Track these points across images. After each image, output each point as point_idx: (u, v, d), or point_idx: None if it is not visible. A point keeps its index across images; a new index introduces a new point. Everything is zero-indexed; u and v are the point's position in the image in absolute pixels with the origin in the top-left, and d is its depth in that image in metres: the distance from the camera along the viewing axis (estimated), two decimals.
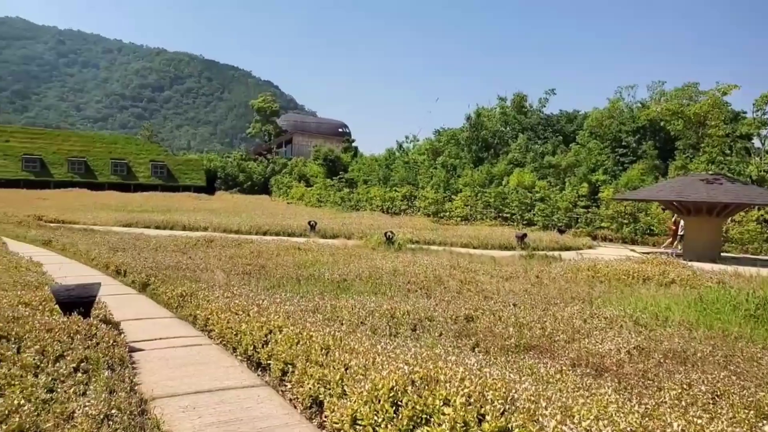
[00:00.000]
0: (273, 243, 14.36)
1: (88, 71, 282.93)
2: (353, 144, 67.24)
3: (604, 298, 7.94)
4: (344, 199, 42.09)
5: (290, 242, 14.78)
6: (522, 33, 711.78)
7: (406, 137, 53.52)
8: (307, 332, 4.75)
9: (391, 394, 3.30)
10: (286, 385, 4.41)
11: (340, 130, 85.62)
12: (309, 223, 19.76)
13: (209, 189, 60.64)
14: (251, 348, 5.03)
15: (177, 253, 12.19)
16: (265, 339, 4.96)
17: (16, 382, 3.97)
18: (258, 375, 4.78)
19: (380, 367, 3.67)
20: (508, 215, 30.74)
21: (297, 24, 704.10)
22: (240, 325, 5.37)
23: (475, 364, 3.72)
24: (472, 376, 3.35)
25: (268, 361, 4.75)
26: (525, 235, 18.20)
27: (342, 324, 5.58)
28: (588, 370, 4.44)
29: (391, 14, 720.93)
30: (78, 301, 5.26)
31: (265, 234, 18.73)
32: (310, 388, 3.98)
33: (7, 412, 3.56)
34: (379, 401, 3.30)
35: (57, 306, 5.51)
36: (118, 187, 56.05)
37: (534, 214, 29.54)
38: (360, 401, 3.38)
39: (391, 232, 15.66)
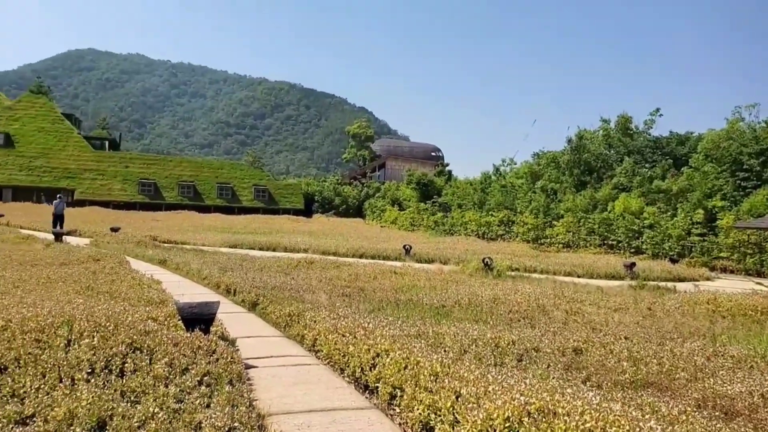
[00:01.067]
0: (369, 266, 14.60)
1: (197, 101, 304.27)
2: (447, 167, 67.32)
3: (728, 334, 7.38)
4: (438, 224, 42.07)
5: (386, 266, 14.96)
6: (622, 52, 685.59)
7: (503, 160, 52.83)
8: (414, 357, 4.79)
9: (506, 425, 3.26)
10: (394, 409, 4.46)
11: (433, 153, 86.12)
12: (404, 247, 19.93)
13: (307, 212, 62.92)
14: (359, 370, 5.14)
15: (280, 274, 12.70)
16: (372, 362, 5.05)
17: (150, 391, 4.30)
18: (366, 397, 4.86)
19: (494, 396, 3.63)
20: (614, 242, 29.37)
21: (390, 50, 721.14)
22: (347, 347, 5.50)
23: (594, 398, 3.59)
24: (592, 411, 3.24)
25: (376, 384, 4.83)
26: (634, 264, 17.32)
27: (446, 351, 5.57)
28: (716, 413, 4.14)
29: (485, 35, 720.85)
30: (199, 318, 5.62)
31: (361, 257, 19.10)
32: (420, 414, 4.00)
33: (144, 418, 3.87)
34: (494, 431, 3.27)
35: (180, 322, 5.92)
36: (223, 209, 59.42)
37: (642, 242, 28.03)
38: (474, 430, 3.36)
39: (490, 258, 15.46)
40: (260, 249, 21.66)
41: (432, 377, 4.32)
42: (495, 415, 3.32)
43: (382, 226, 48.56)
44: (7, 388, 4.22)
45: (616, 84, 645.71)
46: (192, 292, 10.03)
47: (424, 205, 48.48)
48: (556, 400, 3.43)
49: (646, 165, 36.43)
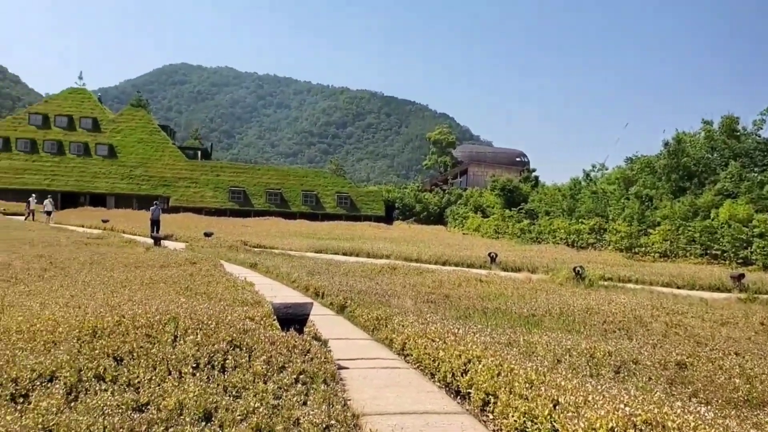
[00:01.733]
0: (453, 273, 14.50)
1: (282, 111, 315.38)
2: (533, 173, 65.75)
3: None
4: (524, 231, 41.06)
5: (471, 273, 14.80)
6: (722, 49, 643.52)
7: (593, 166, 50.83)
8: (507, 364, 4.71)
9: None
10: (488, 415, 4.40)
11: (518, 159, 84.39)
12: (489, 254, 19.64)
13: (387, 218, 63.47)
14: (450, 375, 5.12)
15: (365, 279, 12.88)
16: (464, 368, 5.02)
17: (250, 387, 4.49)
18: (458, 402, 4.83)
19: (595, 405, 3.51)
20: (719, 252, 27.46)
21: (472, 54, 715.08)
22: (437, 352, 5.49)
23: (707, 414, 3.38)
24: (706, 426, 3.05)
25: (468, 390, 4.79)
26: (743, 275, 16.12)
27: (540, 360, 5.44)
28: None
29: (570, 37, 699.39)
30: (294, 318, 5.81)
31: (444, 264, 19.01)
32: (515, 421, 3.93)
33: (246, 412, 4.04)
34: None
35: (275, 322, 6.15)
36: (307, 216, 61.06)
37: (752, 252, 26.03)
38: None
39: (581, 267, 14.92)
40: (344, 254, 22.06)
41: (527, 385, 4.24)
42: (597, 425, 3.21)
43: (464, 234, 48.11)
44: (124, 378, 4.55)
45: (716, 83, 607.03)
46: (283, 294, 10.38)
47: (509, 212, 47.52)
48: (664, 413, 3.26)
49: (756, 169, 33.82)
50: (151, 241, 22.30)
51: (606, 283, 15.00)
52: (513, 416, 3.95)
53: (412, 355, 5.96)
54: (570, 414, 3.55)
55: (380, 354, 6.40)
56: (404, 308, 8.41)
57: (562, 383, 4.14)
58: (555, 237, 37.28)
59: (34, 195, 39.68)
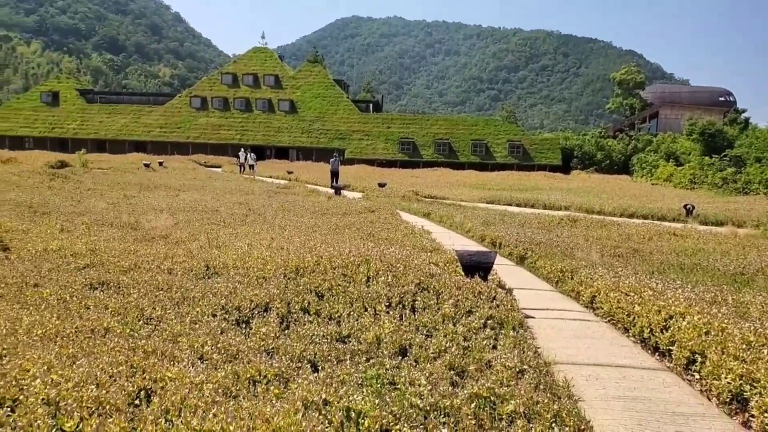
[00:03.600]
0: (642, 226, 13.46)
1: (450, 58, 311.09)
2: (741, 115, 57.54)
3: None
4: (727, 181, 36.39)
5: (662, 227, 13.61)
6: None
7: None
8: (718, 323, 4.29)
9: None
10: (693, 375, 4.08)
11: (722, 99, 74.37)
12: (684, 206, 17.84)
13: (564, 168, 60.30)
14: (647, 331, 4.81)
15: (542, 231, 12.48)
16: (664, 324, 4.68)
17: (440, 328, 4.65)
18: (656, 359, 4.55)
19: None
20: None
21: None
22: (632, 307, 5.18)
23: None
24: None
25: (669, 347, 4.47)
26: None
27: (757, 322, 4.87)
28: None
29: None
30: (478, 266, 5.85)
31: (630, 216, 17.70)
32: (728, 383, 3.59)
33: (438, 350, 4.21)
34: None
35: (459, 269, 6.25)
36: (476, 166, 60.40)
37: None
38: None
39: None
40: (517, 205, 21.57)
41: (744, 345, 3.83)
42: None
43: (653, 184, 44.10)
44: (326, 312, 4.98)
45: None
46: (458, 243, 10.49)
47: (708, 159, 42.36)
48: None
49: None
50: (331, 191, 23.78)
51: None
52: (726, 378, 3.61)
53: (602, 309, 5.70)
54: None
55: (566, 306, 6.22)
56: (590, 261, 8.03)
57: None
58: (767, 187, 32.55)
59: (243, 149, 43.10)
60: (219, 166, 47.11)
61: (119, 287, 5.59)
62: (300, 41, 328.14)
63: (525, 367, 3.89)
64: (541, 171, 56.35)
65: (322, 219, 13.15)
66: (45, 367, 3.14)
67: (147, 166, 34.66)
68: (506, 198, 23.29)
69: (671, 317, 4.68)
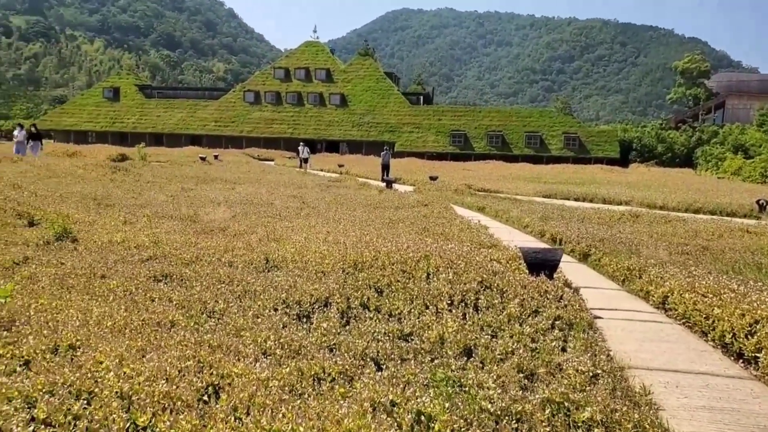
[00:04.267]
0: (710, 223, 12.81)
1: (502, 49, 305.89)
2: None
3: None
4: None
5: (733, 223, 12.91)
6: None
7: None
8: None
9: None
10: None
11: None
12: (757, 201, 16.88)
13: (622, 161, 58.31)
14: (729, 336, 4.51)
15: (603, 226, 12.04)
16: (749, 329, 4.37)
17: (506, 328, 4.49)
18: (741, 366, 4.25)
19: None
20: None
21: None
22: (711, 309, 4.88)
23: None
24: None
25: (755, 354, 4.17)
26: None
27: None
28: None
29: None
30: (543, 263, 5.64)
31: (696, 212, 16.89)
32: None
33: (504, 352, 4.05)
34: None
35: (522, 266, 6.05)
36: (530, 159, 59.19)
37: None
38: None
39: None
40: (575, 199, 20.96)
41: None
42: None
43: (719, 178, 42.08)
44: (386, 308, 4.89)
45: None
46: (517, 239, 10.23)
47: None
48: None
49: None
50: (382, 184, 23.71)
51: None
52: None
53: (676, 310, 5.40)
54: None
55: (636, 306, 5.93)
56: (658, 259, 7.65)
57: None
58: None
59: (301, 144, 42.31)
60: (272, 160, 47.84)
61: (182, 280, 5.66)
62: (350, 35, 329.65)
63: (599, 371, 3.69)
64: (597, 164, 54.73)
65: (375, 213, 13.09)
66: (117, 360, 3.17)
67: (203, 159, 35.53)
68: (563, 192, 22.69)
69: (757, 322, 4.37)
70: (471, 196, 20.78)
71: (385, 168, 29.45)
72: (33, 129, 27.85)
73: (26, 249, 6.82)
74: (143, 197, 13.84)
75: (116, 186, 16.48)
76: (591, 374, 3.63)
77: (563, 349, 4.18)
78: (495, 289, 5.20)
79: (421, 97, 74.95)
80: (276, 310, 4.82)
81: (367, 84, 70.48)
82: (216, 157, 39.74)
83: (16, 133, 27.14)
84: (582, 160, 57.90)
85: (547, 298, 5.04)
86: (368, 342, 4.12)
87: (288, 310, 4.83)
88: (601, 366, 3.76)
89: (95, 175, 19.26)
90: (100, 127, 69.13)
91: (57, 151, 32.14)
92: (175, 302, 4.85)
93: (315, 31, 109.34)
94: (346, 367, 3.62)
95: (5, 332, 3.62)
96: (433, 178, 27.17)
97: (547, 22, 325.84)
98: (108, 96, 72.14)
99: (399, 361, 3.87)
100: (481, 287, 5.25)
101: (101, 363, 3.14)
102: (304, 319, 4.74)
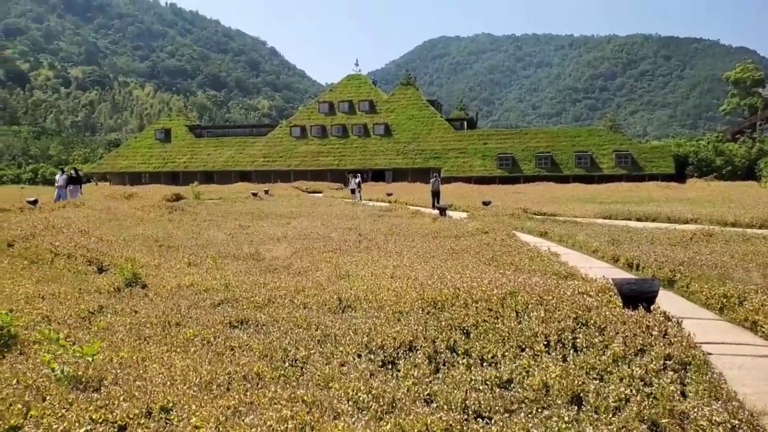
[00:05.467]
0: None
1: (542, 71, 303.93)
2: None
3: None
4: None
5: None
6: None
7: None
8: None
9: None
10: None
11: None
12: None
13: (678, 177, 56.18)
14: None
15: (677, 247, 11.38)
16: None
17: (613, 371, 4.11)
18: None
19: None
20: None
21: None
22: None
23: None
24: None
25: None
26: None
27: None
28: None
29: None
30: (639, 295, 5.23)
31: None
32: None
33: (618, 399, 3.67)
34: None
35: (615, 299, 5.64)
36: (581, 179, 57.82)
37: None
38: None
39: None
40: (637, 219, 20.09)
41: None
42: None
43: None
44: (476, 352, 4.58)
45: None
46: (590, 265, 9.75)
47: None
48: None
49: None
50: (434, 211, 23.36)
51: None
52: None
53: None
54: None
55: (743, 339, 5.42)
56: (753, 283, 7.08)
57: None
58: None
59: (352, 174, 41.47)
60: (320, 192, 48.26)
61: (258, 325, 5.51)
62: (389, 65, 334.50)
63: (735, 421, 3.28)
64: (652, 181, 52.82)
65: (435, 242, 12.79)
66: (215, 425, 2.98)
67: (254, 195, 36.09)
68: (623, 212, 21.83)
69: None
70: (529, 220, 20.17)
71: (436, 195, 29.13)
72: (73, 173, 28.01)
73: (99, 297, 6.84)
74: (203, 237, 13.96)
75: (175, 226, 16.74)
76: (729, 426, 3.23)
77: (683, 394, 3.77)
78: (592, 327, 4.82)
79: (465, 122, 74.66)
80: (360, 356, 4.59)
81: (411, 112, 70.84)
82: (266, 192, 40.33)
83: (57, 177, 27.26)
84: (635, 178, 56.13)
85: (651, 335, 4.62)
86: (466, 392, 3.82)
87: (372, 356, 4.59)
88: (734, 414, 3.34)
89: (153, 216, 19.68)
90: (153, 168, 71.57)
91: (115, 194, 33.20)
92: (255, 351, 4.67)
93: (357, 65, 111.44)
94: (451, 423, 3.33)
95: (95, 393, 3.49)
96: (486, 203, 26.63)
97: (586, 41, 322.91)
98: (159, 137, 74.83)
99: (504, 413, 3.55)
100: (577, 324, 4.88)
101: (198, 428, 2.95)
102: (390, 366, 4.48)
